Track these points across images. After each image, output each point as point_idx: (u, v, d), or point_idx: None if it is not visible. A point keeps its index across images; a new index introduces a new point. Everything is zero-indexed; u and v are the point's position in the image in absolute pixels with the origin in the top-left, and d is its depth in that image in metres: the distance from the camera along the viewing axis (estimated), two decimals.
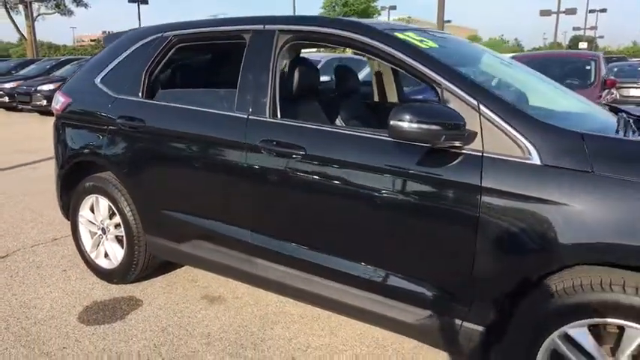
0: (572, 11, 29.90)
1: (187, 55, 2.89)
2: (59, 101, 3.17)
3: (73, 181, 3.11)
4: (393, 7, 53.96)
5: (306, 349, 2.40)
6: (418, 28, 2.45)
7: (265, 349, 2.41)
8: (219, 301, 2.89)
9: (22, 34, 34.63)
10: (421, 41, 2.07)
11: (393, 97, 3.23)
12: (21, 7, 30.87)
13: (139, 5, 38.59)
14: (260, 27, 2.39)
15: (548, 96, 2.55)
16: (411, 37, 2.07)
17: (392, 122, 1.70)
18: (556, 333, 1.65)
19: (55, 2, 36.84)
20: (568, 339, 1.64)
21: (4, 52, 64.34)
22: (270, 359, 2.32)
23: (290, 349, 2.41)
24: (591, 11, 48.67)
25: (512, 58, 8.36)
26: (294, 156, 2.12)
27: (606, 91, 7.12)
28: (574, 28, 53.75)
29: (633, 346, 1.54)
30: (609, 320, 1.56)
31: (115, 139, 2.80)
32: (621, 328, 1.56)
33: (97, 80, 2.98)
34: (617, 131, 1.95)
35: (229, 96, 2.41)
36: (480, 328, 1.80)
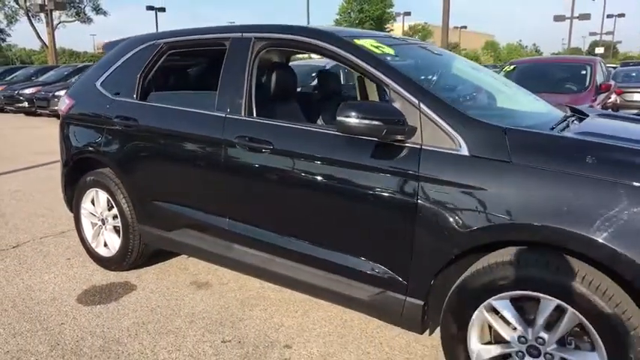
0: (585, 16, 29.68)
1: (177, 61, 3.16)
2: (64, 103, 3.47)
3: (76, 176, 3.40)
4: (408, 14, 54.12)
5: (279, 328, 2.63)
6: (381, 35, 2.69)
7: (242, 327, 2.65)
8: (206, 286, 3.14)
9: (44, 42, 35.63)
10: (377, 47, 2.30)
11: (374, 98, 3.45)
12: (42, 14, 31.72)
13: (156, 13, 39.51)
14: (238, 35, 2.65)
15: (507, 97, 2.75)
16: (368, 44, 2.30)
17: (338, 118, 1.94)
18: (483, 305, 1.85)
19: (75, 10, 37.96)
20: (494, 310, 1.85)
21: (27, 59, 66.22)
22: (246, 336, 2.56)
23: (264, 327, 2.64)
24: (609, 16, 48.16)
25: (512, 63, 8.52)
26: (263, 150, 2.36)
27: (603, 95, 7.22)
28: (590, 34, 53.15)
29: (546, 315, 1.74)
30: (526, 293, 1.76)
31: (112, 138, 3.08)
32: (538, 300, 1.76)
33: (98, 84, 3.28)
34: (552, 127, 2.14)
35: (211, 97, 2.67)
36: (420, 302, 2.01)
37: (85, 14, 39.06)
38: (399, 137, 1.98)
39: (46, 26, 32.56)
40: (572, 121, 2.37)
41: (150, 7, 39.52)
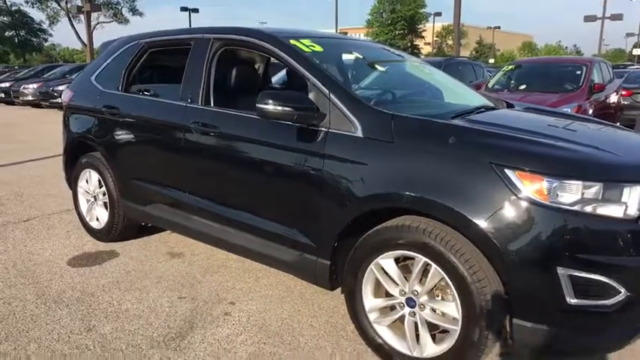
0: (617, 17, 28.83)
1: (156, 57, 3.60)
2: (66, 95, 3.99)
3: (74, 158, 3.91)
4: (439, 14, 53.66)
5: (231, 289, 3.04)
6: (319, 34, 3.05)
7: (199, 288, 3.06)
8: (179, 256, 3.58)
9: (83, 42, 37.34)
10: (309, 46, 2.67)
11: (386, 93, 3.73)
12: (82, 15, 33.27)
13: (190, 14, 40.77)
14: (200, 35, 3.07)
15: (439, 91, 3.07)
16: (301, 43, 2.67)
17: (257, 105, 2.32)
18: (373, 263, 2.20)
19: (112, 12, 39.63)
20: (381, 267, 2.19)
21: (69, 59, 69.33)
22: (200, 294, 2.97)
23: (218, 288, 3.05)
24: None
25: (512, 63, 8.66)
26: (211, 134, 2.77)
27: (599, 94, 7.30)
28: (627, 35, 51.33)
29: (417, 271, 2.07)
30: (403, 252, 2.10)
31: (101, 124, 3.56)
32: (413, 259, 2.09)
33: (92, 78, 3.77)
34: (454, 116, 2.44)
35: (179, 89, 3.09)
36: (327, 262, 2.37)
37: (122, 15, 40.74)
38: (313, 122, 2.34)
39: (85, 27, 34.10)
40: (482, 111, 2.67)
41: (184, 8, 40.84)
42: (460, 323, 1.97)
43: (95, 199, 3.83)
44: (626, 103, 9.50)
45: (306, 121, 2.35)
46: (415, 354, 2.14)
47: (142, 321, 2.66)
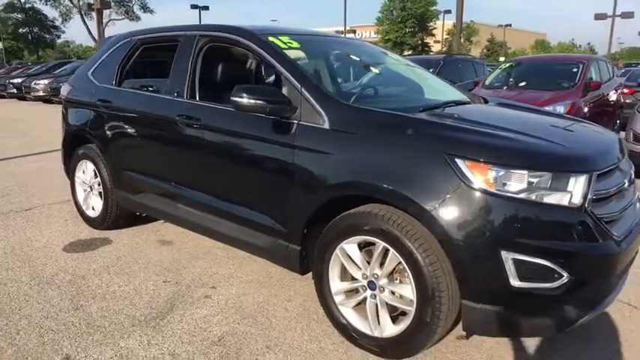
0: (628, 15, 28.47)
1: (147, 53, 3.75)
2: (65, 89, 4.16)
3: (72, 150, 4.08)
4: (448, 12, 53.27)
5: (213, 275, 3.19)
6: (301, 32, 3.17)
7: (184, 273, 3.22)
8: (168, 244, 3.74)
9: (95, 38, 37.77)
10: (286, 43, 2.80)
11: (356, 88, 3.83)
12: (94, 13, 33.64)
13: (200, 11, 41.07)
14: (188, 32, 3.21)
15: (415, 86, 3.19)
16: (279, 40, 2.80)
17: (232, 98, 2.46)
18: (338, 248, 2.33)
19: (124, 9, 40.08)
20: (345, 252, 2.32)
21: (83, 55, 70.17)
22: (184, 279, 3.13)
23: (201, 274, 3.20)
24: None
25: (511, 60, 8.69)
26: (194, 126, 2.92)
27: (596, 92, 7.33)
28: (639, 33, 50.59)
29: (377, 255, 2.20)
30: (365, 238, 2.22)
31: (96, 117, 3.73)
32: (374, 244, 2.22)
33: (89, 73, 3.94)
34: (421, 110, 2.55)
35: (167, 83, 3.24)
36: (298, 248, 2.50)
37: (134, 12, 41.15)
38: (284, 115, 2.47)
39: (97, 23, 34.53)
40: (452, 105, 2.79)
41: (194, 6, 41.16)
42: (415, 305, 2.09)
43: (91, 189, 4.00)
44: (627, 101, 9.48)
45: (279, 114, 2.48)
46: (376, 334, 2.26)
47: (127, 302, 2.82)
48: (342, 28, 43.51)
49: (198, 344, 2.40)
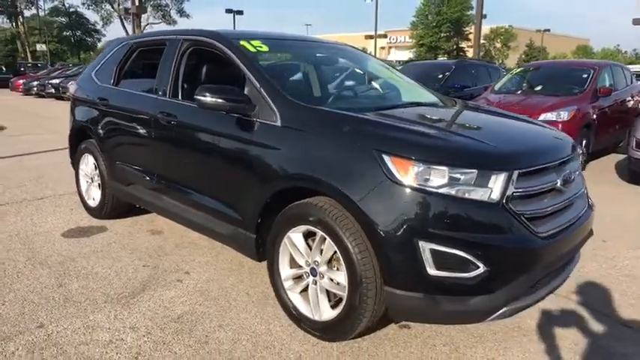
0: None
1: (142, 56, 4.03)
2: (72, 88, 4.51)
3: (77, 144, 4.41)
4: (484, 16, 52.50)
5: (190, 262, 3.42)
6: (277, 36, 3.37)
7: (164, 259, 3.46)
8: (158, 233, 4.00)
9: None
10: (256, 46, 3.01)
11: (316, 89, 4.04)
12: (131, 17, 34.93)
13: (234, 15, 42.03)
14: (173, 37, 3.47)
15: (387, 88, 3.34)
16: (250, 44, 3.01)
17: (195, 97, 2.67)
18: (286, 237, 2.51)
19: (161, 13, 41.48)
20: (292, 240, 2.49)
21: None
22: (162, 264, 3.37)
23: (179, 260, 3.44)
24: None
25: (522, 66, 8.64)
26: (172, 122, 3.17)
27: (607, 98, 7.22)
28: None
29: (316, 244, 2.37)
30: (306, 227, 2.39)
31: (95, 114, 4.04)
32: (315, 233, 2.39)
33: (93, 73, 4.27)
34: (378, 108, 2.70)
35: (154, 83, 3.51)
36: (253, 236, 2.70)
37: (170, 17, 42.49)
38: (245, 112, 2.67)
39: (136, 28, 35.87)
40: (413, 106, 2.93)
41: (228, 10, 42.16)
42: (347, 290, 2.25)
43: (92, 181, 4.32)
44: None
45: (239, 112, 2.68)
46: (316, 318, 2.43)
47: (105, 282, 3.08)
48: (384, 33, 43.59)
49: (159, 320, 2.63)
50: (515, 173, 2.12)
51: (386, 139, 2.21)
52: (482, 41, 62.32)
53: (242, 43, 3.02)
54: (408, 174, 2.08)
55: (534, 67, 8.38)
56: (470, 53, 63.30)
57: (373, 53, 47.54)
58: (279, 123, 2.54)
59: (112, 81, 3.98)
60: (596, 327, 2.64)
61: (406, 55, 59.85)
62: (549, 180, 2.30)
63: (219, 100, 2.62)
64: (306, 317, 2.48)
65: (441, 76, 8.58)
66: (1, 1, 37.03)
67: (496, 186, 2.08)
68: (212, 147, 2.90)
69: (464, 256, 2.03)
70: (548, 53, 75.65)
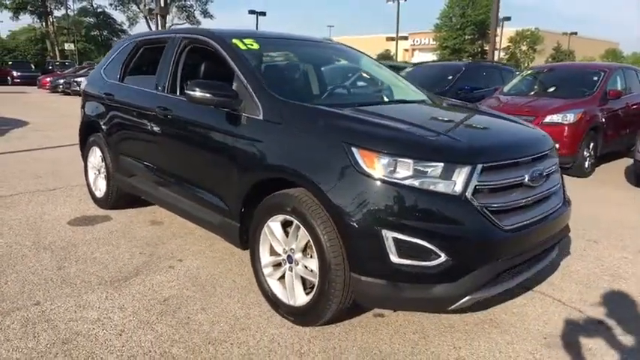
0: None
1: (145, 53, 4.21)
2: (83, 83, 4.73)
3: (86, 137, 4.63)
4: (507, 19, 51.79)
5: (184, 251, 3.57)
6: (270, 35, 3.51)
7: (160, 247, 3.63)
8: (158, 224, 4.18)
9: None
10: (247, 44, 3.15)
11: (302, 85, 4.18)
12: (158, 17, 35.69)
13: (257, 16, 42.50)
14: (173, 35, 3.64)
15: (372, 85, 3.44)
16: (242, 42, 3.15)
17: (185, 91, 2.82)
18: (265, 225, 2.63)
19: (186, 14, 42.27)
20: (271, 229, 2.62)
21: None
22: (157, 251, 3.53)
23: (174, 249, 3.60)
24: None
25: (531, 68, 8.60)
26: (168, 116, 3.33)
27: (618, 101, 7.15)
28: None
29: (292, 232, 2.48)
30: (284, 216, 2.51)
31: (102, 109, 4.24)
32: (292, 222, 2.50)
33: (101, 70, 4.48)
34: (358, 104, 2.81)
35: (154, 79, 3.68)
36: (237, 224, 2.83)
37: (195, 17, 43.21)
38: (232, 107, 2.81)
39: (160, 27, 36.59)
40: (396, 103, 3.03)
41: (251, 11, 42.67)
42: (318, 276, 2.36)
43: (99, 173, 4.53)
44: None
45: (227, 106, 2.82)
46: (291, 303, 2.55)
47: (102, 266, 3.26)
48: (401, 35, 43.54)
49: (146, 302, 2.78)
50: (479, 167, 2.20)
51: (355, 132, 2.32)
52: (507, 44, 61.50)
53: (234, 41, 3.16)
54: (374, 165, 2.18)
55: (545, 69, 8.32)
56: (495, 56, 62.57)
57: (395, 55, 47.34)
58: (261, 117, 2.67)
59: (117, 77, 4.18)
60: (569, 322, 2.69)
61: (429, 57, 59.47)
62: (516, 175, 2.37)
63: (207, 95, 2.76)
64: (283, 302, 2.60)
65: (450, 77, 8.59)
66: (32, 2, 38.31)
67: (459, 179, 2.16)
68: (203, 140, 3.05)
69: (426, 246, 2.12)
70: (576, 57, 74.07)
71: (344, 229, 2.21)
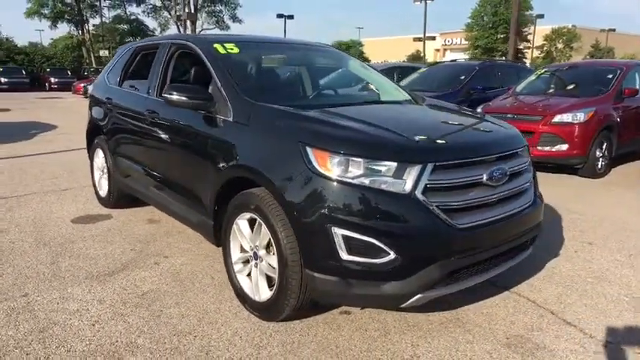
0: None
1: (142, 59, 4.38)
2: (90, 88, 4.96)
3: (92, 139, 4.85)
4: (541, 16, 50.65)
5: (173, 248, 3.71)
6: (246, 39, 3.61)
7: (151, 244, 3.78)
8: (155, 222, 4.34)
9: None
10: (228, 49, 3.25)
11: (290, 90, 4.24)
12: (189, 23, 36.54)
13: (285, 20, 42.95)
14: (165, 41, 3.79)
15: (355, 86, 3.49)
16: (222, 46, 3.25)
17: (162, 94, 2.95)
18: (234, 223, 2.72)
19: (215, 19, 43.15)
20: (239, 227, 2.70)
21: None
22: (148, 249, 3.68)
23: (163, 247, 3.74)
24: None
25: (545, 67, 8.42)
26: (155, 119, 3.47)
27: (633, 99, 6.92)
28: None
29: (255, 229, 2.57)
30: (249, 215, 2.59)
31: (103, 112, 4.45)
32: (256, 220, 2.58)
33: (105, 75, 4.69)
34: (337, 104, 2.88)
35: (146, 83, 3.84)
36: (211, 222, 2.93)
37: (224, 22, 44.05)
38: (208, 109, 2.92)
39: (190, 33, 37.45)
40: (366, 103, 3.08)
41: (280, 15, 43.17)
42: (277, 273, 2.43)
43: (102, 173, 4.74)
44: None
45: (202, 109, 2.93)
46: (256, 298, 2.63)
47: (93, 262, 3.43)
48: (429, 35, 43.14)
49: (124, 295, 2.92)
50: (430, 166, 2.22)
51: (312, 132, 2.38)
52: (542, 42, 59.64)
53: (215, 45, 3.27)
54: (326, 165, 2.24)
55: (560, 68, 8.11)
56: (530, 55, 60.99)
57: (423, 56, 46.82)
58: (231, 118, 2.77)
59: (117, 82, 4.37)
60: (537, 323, 2.66)
61: (461, 57, 58.68)
62: (473, 174, 2.37)
63: (183, 98, 2.88)
64: (249, 298, 2.68)
65: (463, 77, 8.48)
66: (69, 11, 39.97)
67: (409, 178, 2.19)
68: (183, 141, 3.17)
69: (374, 243, 2.16)
70: (616, 54, 71.34)
71: (298, 226, 2.28)
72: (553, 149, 6.29)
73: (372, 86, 3.57)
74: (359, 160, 2.21)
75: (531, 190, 2.77)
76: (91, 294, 2.94)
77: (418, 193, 2.18)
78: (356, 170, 2.21)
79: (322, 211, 2.21)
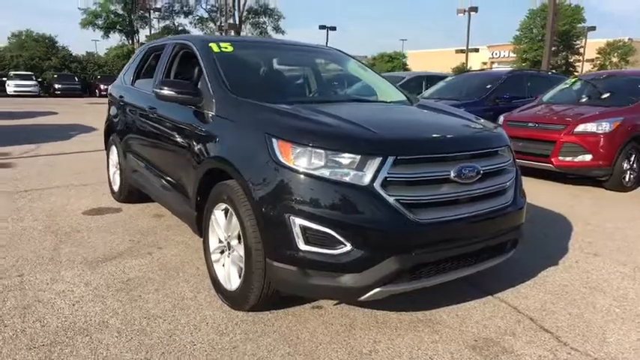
0: None
1: (153, 58, 4.57)
2: (109, 89, 5.22)
3: (108, 136, 5.10)
4: (592, 28, 48.85)
5: (169, 241, 3.83)
6: (242, 39, 3.70)
7: (150, 237, 3.92)
8: (159, 217, 4.49)
9: None
10: (221, 47, 3.36)
11: (299, 87, 4.27)
12: (232, 32, 37.58)
13: (327, 31, 43.45)
14: (171, 41, 3.96)
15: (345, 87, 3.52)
16: (217, 45, 3.37)
17: (153, 89, 3.08)
18: (212, 214, 2.79)
19: (259, 30, 44.17)
20: (215, 217, 2.78)
21: None
22: (145, 240, 3.82)
23: (161, 239, 3.87)
24: None
25: (576, 76, 8.11)
26: (155, 114, 3.62)
27: None
28: None
29: (227, 218, 2.63)
30: (226, 206, 2.66)
31: (116, 110, 4.67)
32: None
33: (122, 75, 4.93)
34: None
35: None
36: (194, 213, 3.02)
37: (267, 33, 45.00)
38: (196, 104, 3.02)
39: None
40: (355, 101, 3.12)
41: (322, 27, 43.71)
42: (243, 261, 2.48)
43: (116, 169, 4.96)
44: None
45: (190, 103, 3.05)
46: (227, 287, 2.68)
47: (92, 249, 3.59)
48: (473, 47, 42.52)
49: (110, 280, 3.04)
50: (390, 159, 2.21)
51: (278, 124, 2.43)
52: (596, 55, 57.45)
53: (210, 44, 3.39)
54: (288, 156, 2.28)
55: (589, 78, 7.80)
56: (584, 68, 58.80)
57: (471, 68, 46.05)
58: (214, 112, 2.86)
59: (130, 81, 4.59)
60: (511, 328, 2.57)
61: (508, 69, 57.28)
62: (439, 170, 2.34)
63: (172, 93, 3.01)
64: (223, 287, 2.74)
65: (489, 86, 8.31)
66: (121, 22, 42.10)
67: (368, 170, 2.19)
68: (176, 135, 3.29)
69: (330, 234, 2.17)
70: None
71: (260, 215, 2.32)
72: (575, 160, 6.06)
73: (362, 86, 3.59)
74: (320, 151, 2.24)
75: (512, 191, 2.69)
76: (79, 277, 3.08)
77: (377, 186, 2.18)
78: (317, 162, 2.24)
79: (283, 201, 2.24)
